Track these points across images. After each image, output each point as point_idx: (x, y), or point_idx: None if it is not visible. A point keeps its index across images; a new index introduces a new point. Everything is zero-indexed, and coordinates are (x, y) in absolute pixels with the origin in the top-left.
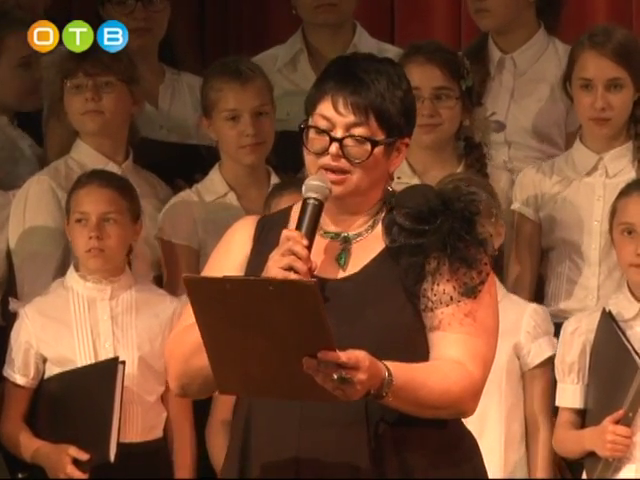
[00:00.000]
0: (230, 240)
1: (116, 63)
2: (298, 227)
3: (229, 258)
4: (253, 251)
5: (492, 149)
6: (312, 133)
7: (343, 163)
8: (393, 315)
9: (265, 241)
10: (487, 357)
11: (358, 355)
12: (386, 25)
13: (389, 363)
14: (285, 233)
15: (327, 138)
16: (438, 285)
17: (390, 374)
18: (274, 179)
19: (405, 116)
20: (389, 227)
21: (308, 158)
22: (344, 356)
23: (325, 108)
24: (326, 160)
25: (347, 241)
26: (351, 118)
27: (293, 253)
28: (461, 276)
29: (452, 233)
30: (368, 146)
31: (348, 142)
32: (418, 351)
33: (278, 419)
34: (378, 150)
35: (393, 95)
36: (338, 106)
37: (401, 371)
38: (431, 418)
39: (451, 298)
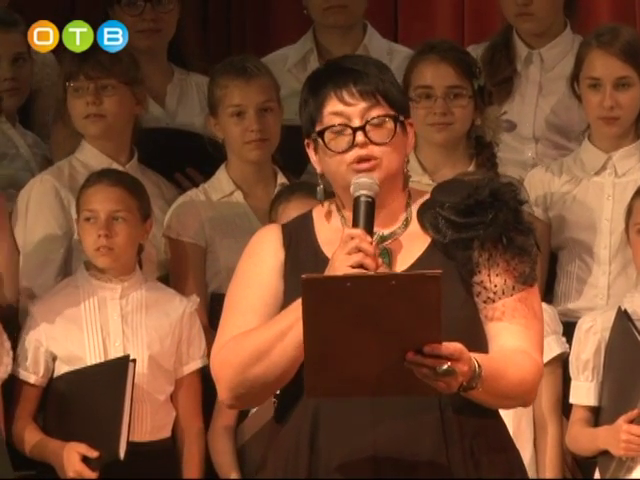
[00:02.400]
0: (259, 249)
1: (117, 65)
2: (355, 225)
3: (263, 266)
4: (287, 259)
5: (520, 144)
6: (329, 135)
7: (372, 149)
8: (457, 309)
9: (297, 247)
10: (542, 344)
11: (460, 347)
12: (389, 25)
13: (474, 354)
14: (348, 232)
15: (348, 132)
16: (496, 276)
17: (479, 365)
18: (280, 178)
19: (404, 95)
20: (434, 223)
21: (333, 160)
22: (451, 348)
23: (333, 106)
24: (355, 152)
25: (383, 240)
26: (362, 104)
27: (361, 250)
28: (517, 265)
29: (507, 224)
30: (389, 124)
31: (369, 128)
32: (478, 343)
33: (350, 417)
34: (398, 127)
35: (388, 76)
36: (345, 98)
37: (486, 362)
38: (489, 409)
39: (513, 288)
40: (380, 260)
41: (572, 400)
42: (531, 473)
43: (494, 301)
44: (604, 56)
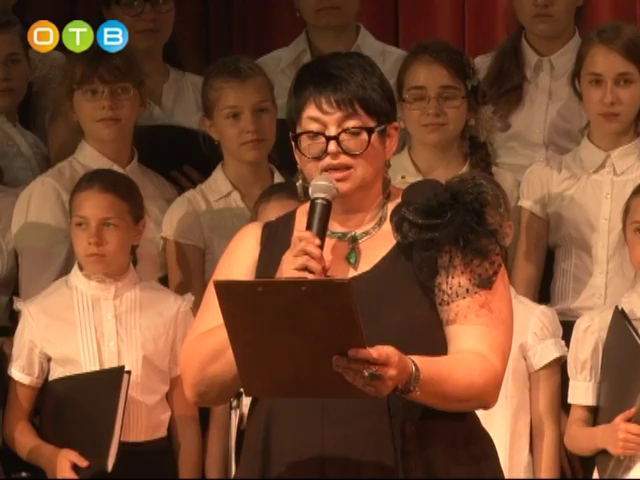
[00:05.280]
0: (237, 246)
1: (130, 69)
2: (308, 228)
3: (237, 264)
4: (261, 255)
5: (530, 150)
6: (305, 140)
7: (344, 159)
8: (410, 311)
9: (272, 245)
10: (505, 347)
11: (388, 351)
12: (390, 26)
13: (415, 357)
14: (297, 234)
15: (322, 140)
16: (453, 278)
17: (417, 368)
18: (277, 178)
19: (388, 100)
20: (399, 224)
21: (308, 166)
22: (375, 352)
23: (311, 111)
24: (327, 161)
25: (355, 240)
26: (339, 114)
27: (306, 253)
28: (475, 268)
29: (464, 225)
30: (364, 136)
31: (344, 137)
32: (436, 346)
33: (300, 418)
34: (374, 138)
35: (371, 82)
36: (323, 106)
37: (427, 365)
38: (451, 412)
39: (467, 290)
40: (329, 262)
41: (570, 400)
42: (527, 475)
43: (448, 303)
44: (606, 52)
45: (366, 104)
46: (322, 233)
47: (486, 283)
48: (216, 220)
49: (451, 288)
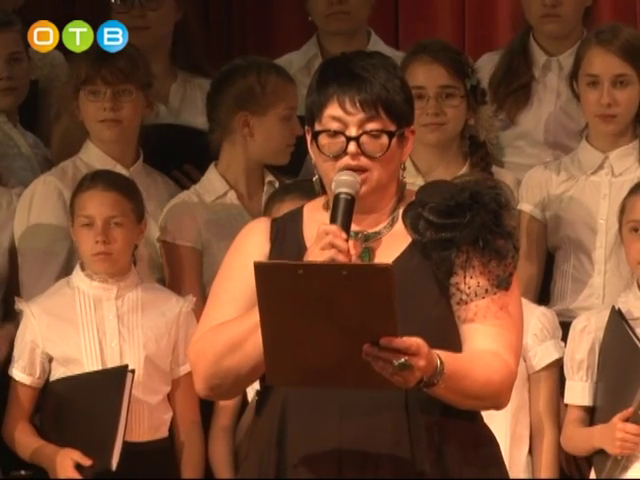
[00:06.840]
0: (246, 241)
1: (134, 71)
2: (332, 222)
3: (247, 258)
4: (272, 251)
5: (538, 150)
6: (324, 138)
7: (363, 161)
8: (429, 309)
9: (283, 241)
10: (518, 348)
11: (418, 341)
12: (390, 26)
13: (438, 351)
14: (323, 227)
15: (342, 139)
16: (471, 278)
17: (442, 362)
18: (268, 177)
19: (408, 103)
20: (414, 223)
21: (325, 165)
22: (407, 342)
23: (333, 110)
24: (345, 161)
25: (368, 239)
26: (362, 115)
27: (334, 246)
28: (493, 268)
29: (483, 227)
30: (384, 139)
31: (364, 139)
32: (452, 344)
33: (318, 411)
34: (394, 142)
35: (394, 85)
36: (346, 106)
37: (450, 359)
38: (465, 411)
39: (486, 291)
40: (354, 258)
41: (567, 400)
42: (528, 476)
43: (467, 303)
44: (603, 53)
45: (389, 107)
46: (347, 228)
47: (504, 284)
48: (213, 221)
49: (469, 288)
